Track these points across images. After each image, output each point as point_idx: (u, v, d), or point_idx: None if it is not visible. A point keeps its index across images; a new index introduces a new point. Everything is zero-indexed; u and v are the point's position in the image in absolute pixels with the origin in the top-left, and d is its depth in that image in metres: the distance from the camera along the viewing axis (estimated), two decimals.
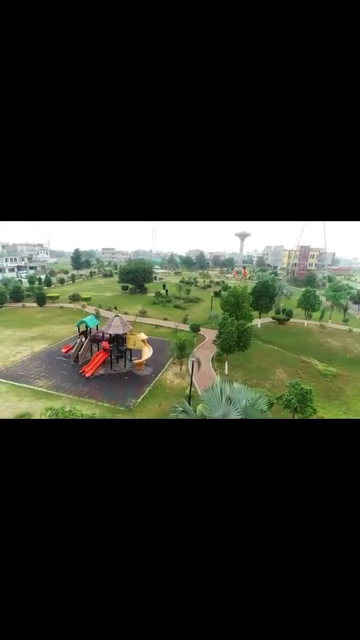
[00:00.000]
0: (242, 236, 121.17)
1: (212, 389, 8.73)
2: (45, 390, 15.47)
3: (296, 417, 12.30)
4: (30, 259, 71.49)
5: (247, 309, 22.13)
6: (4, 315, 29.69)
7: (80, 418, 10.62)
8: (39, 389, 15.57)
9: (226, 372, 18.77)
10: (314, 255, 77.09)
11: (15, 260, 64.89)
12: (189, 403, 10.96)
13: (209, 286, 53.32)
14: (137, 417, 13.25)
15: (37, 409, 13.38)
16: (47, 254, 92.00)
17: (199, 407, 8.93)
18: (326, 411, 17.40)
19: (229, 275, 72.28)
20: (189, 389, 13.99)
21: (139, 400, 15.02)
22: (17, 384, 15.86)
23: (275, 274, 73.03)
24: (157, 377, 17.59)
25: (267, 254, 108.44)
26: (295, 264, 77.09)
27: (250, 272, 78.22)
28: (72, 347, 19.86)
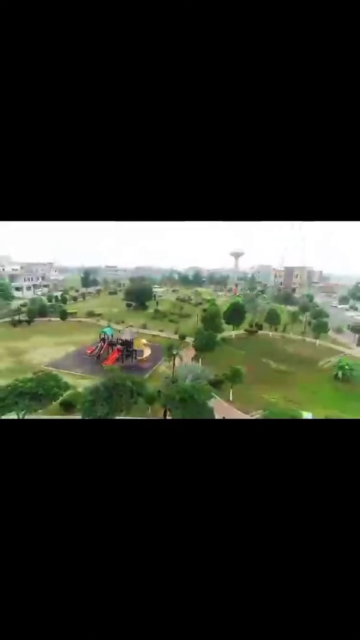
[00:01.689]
0: (237, 255, 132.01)
1: (184, 365, 18.33)
2: (81, 375, 24.43)
3: (230, 384, 21.20)
4: (43, 277, 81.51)
5: (219, 323, 31.35)
6: (39, 327, 38.98)
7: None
8: (77, 373, 24.55)
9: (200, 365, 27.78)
10: (297, 275, 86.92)
11: (32, 279, 74.79)
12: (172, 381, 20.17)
13: (201, 303, 62.58)
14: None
15: (78, 384, 22.28)
16: (56, 272, 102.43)
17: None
18: (269, 394, 26.09)
19: (220, 293, 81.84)
20: (172, 372, 23.02)
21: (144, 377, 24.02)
22: (64, 371, 24.83)
23: (262, 291, 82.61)
24: (154, 368, 26.59)
25: (258, 272, 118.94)
26: (281, 282, 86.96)
27: (241, 289, 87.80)
28: (95, 349, 28.92)
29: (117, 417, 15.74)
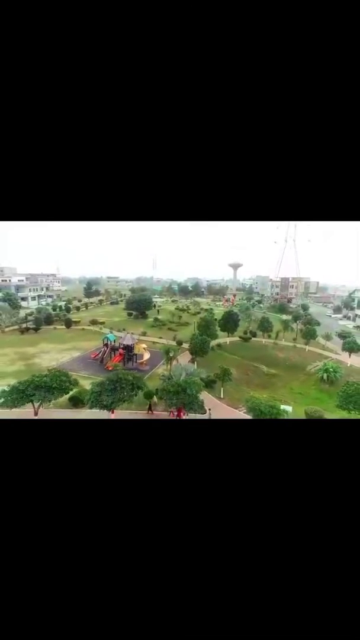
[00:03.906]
0: (235, 266, 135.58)
1: (179, 364, 21.03)
2: (86, 375, 27.02)
3: (220, 383, 23.75)
4: (47, 288, 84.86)
5: (214, 330, 34.00)
6: (44, 335, 41.79)
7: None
8: (83, 375, 27.15)
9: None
10: (293, 285, 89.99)
11: (37, 290, 78.09)
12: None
13: (199, 312, 65.26)
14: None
15: (85, 384, 24.83)
16: (59, 282, 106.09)
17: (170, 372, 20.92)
18: (258, 394, 28.49)
19: (219, 303, 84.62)
20: (169, 372, 25.64)
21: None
22: (71, 373, 27.42)
23: (260, 301, 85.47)
24: (152, 371, 29.17)
25: (256, 282, 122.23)
26: (277, 293, 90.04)
27: (239, 299, 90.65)
28: (98, 354, 31.56)
29: (120, 409, 18.30)
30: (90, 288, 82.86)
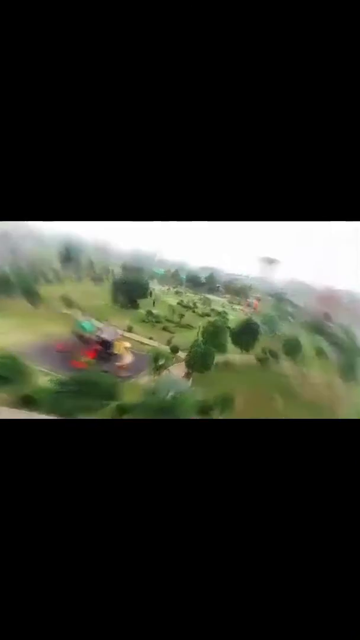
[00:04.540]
0: (269, 262, 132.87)
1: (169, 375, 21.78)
2: (46, 371, 27.54)
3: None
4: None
5: (224, 340, 34.62)
6: None
7: (80, 418, 16.49)
8: (41, 369, 27.70)
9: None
10: (336, 298, 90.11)
11: None
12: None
13: (208, 315, 64.66)
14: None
15: (44, 380, 25.31)
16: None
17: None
18: None
19: (237, 306, 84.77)
20: (154, 384, 26.32)
21: None
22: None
23: (291, 314, 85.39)
24: (133, 379, 29.69)
25: (292, 288, 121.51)
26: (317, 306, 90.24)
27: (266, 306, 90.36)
28: (66, 345, 32.21)
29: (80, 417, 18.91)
30: (69, 255, 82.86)
